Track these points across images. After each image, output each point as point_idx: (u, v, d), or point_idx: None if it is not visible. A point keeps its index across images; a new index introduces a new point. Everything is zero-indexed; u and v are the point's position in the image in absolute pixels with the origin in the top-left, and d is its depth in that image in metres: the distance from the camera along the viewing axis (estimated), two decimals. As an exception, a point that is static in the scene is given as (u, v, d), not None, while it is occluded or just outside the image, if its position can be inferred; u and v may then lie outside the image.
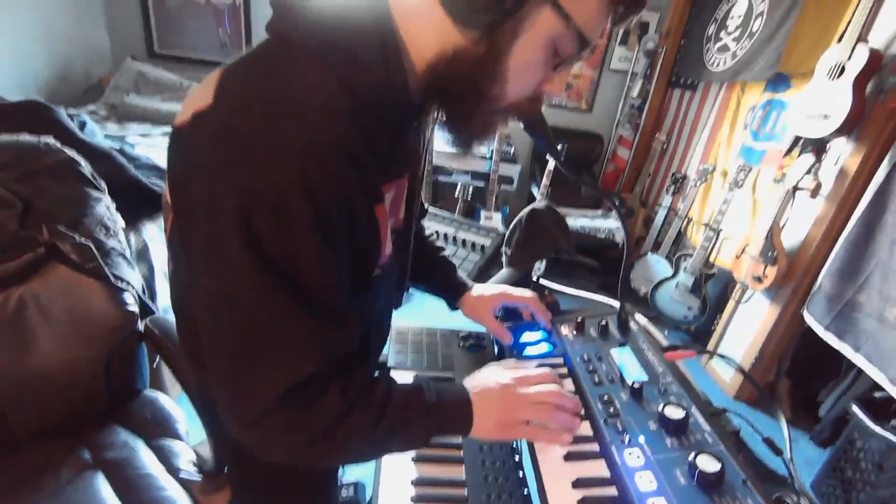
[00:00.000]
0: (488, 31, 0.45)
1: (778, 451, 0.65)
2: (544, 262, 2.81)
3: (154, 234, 1.58)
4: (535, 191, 3.19)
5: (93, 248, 1.02)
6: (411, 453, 0.68)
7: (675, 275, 2.65)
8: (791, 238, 2.06)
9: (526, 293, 0.87)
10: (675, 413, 0.61)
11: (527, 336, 0.86)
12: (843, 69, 1.75)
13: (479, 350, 0.90)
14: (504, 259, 1.05)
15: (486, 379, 0.62)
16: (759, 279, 2.08)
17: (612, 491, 0.57)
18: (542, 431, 0.60)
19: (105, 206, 1.11)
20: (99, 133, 1.66)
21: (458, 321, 0.90)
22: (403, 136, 0.58)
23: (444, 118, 0.53)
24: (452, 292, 0.88)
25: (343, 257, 0.50)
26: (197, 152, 0.46)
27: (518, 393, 0.60)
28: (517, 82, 0.49)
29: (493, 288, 0.88)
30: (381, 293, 0.67)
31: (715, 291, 2.56)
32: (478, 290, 0.88)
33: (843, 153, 1.86)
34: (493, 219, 3.04)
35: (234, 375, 0.48)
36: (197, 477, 0.98)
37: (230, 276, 0.45)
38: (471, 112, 0.51)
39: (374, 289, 0.61)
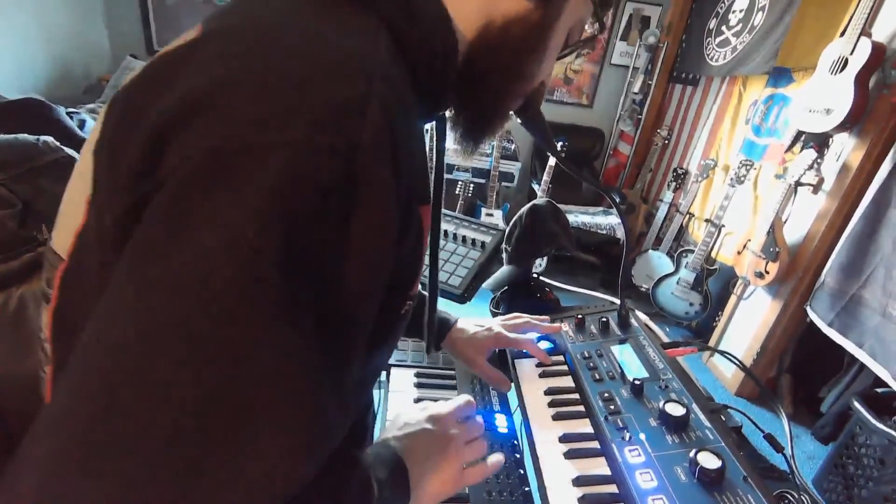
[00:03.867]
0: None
1: (779, 448, 0.65)
2: (545, 259, 2.81)
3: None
4: (535, 187, 3.18)
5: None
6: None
7: (676, 271, 2.65)
8: (793, 234, 2.05)
9: (516, 326, 0.78)
10: (675, 410, 0.61)
11: (527, 334, 0.85)
12: (845, 63, 1.74)
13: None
14: (504, 256, 1.05)
15: (416, 439, 0.50)
16: (760, 275, 2.07)
17: (612, 488, 0.57)
18: (478, 469, 0.54)
19: (105, 205, 1.11)
20: (99, 132, 1.66)
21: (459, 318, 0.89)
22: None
23: (464, 103, 0.46)
24: (435, 332, 0.73)
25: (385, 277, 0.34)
26: (196, 76, 0.29)
27: (450, 444, 0.50)
28: (548, 63, 0.45)
29: (484, 328, 0.76)
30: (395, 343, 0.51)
31: (716, 287, 2.56)
32: (466, 328, 0.76)
33: (846, 148, 1.85)
34: (493, 216, 3.04)
35: (170, 474, 0.24)
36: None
37: (216, 283, 0.24)
38: (501, 92, 0.45)
39: (396, 334, 0.44)
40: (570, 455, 0.61)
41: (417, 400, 0.76)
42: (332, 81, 0.29)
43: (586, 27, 0.47)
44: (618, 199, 3.20)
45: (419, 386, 0.79)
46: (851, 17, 1.73)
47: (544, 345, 0.83)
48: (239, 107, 0.27)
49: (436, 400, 0.75)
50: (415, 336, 0.81)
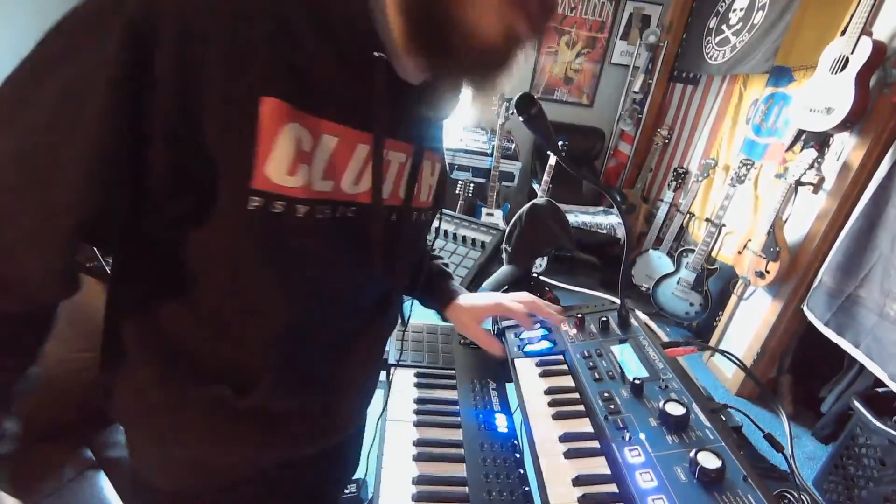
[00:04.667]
0: None
1: (779, 448, 0.65)
2: (545, 258, 2.81)
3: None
4: (535, 187, 3.18)
5: (93, 247, 1.02)
6: (412, 451, 0.68)
7: (676, 271, 2.65)
8: (793, 233, 2.05)
9: (521, 303, 0.80)
10: (675, 409, 0.61)
11: (527, 333, 0.86)
12: (846, 62, 1.74)
13: (479, 347, 0.89)
14: (504, 256, 1.05)
15: None
16: (761, 275, 2.07)
17: (612, 488, 0.56)
18: None
19: (105, 205, 1.11)
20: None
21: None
22: (364, 76, 0.46)
23: (426, 58, 0.47)
24: (439, 302, 0.80)
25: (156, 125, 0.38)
26: None
27: None
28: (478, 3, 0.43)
29: (487, 298, 0.80)
30: (306, 276, 0.48)
31: (717, 287, 2.56)
32: (468, 299, 0.80)
33: (846, 147, 1.85)
34: (493, 215, 3.03)
35: None
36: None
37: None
38: (444, 42, 0.45)
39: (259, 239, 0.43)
40: (570, 455, 0.61)
41: (417, 400, 0.76)
42: None
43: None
44: (618, 199, 3.22)
45: (419, 386, 0.79)
46: (852, 16, 1.73)
47: (544, 344, 0.83)
48: None
49: (435, 400, 0.76)
50: (429, 306, 0.83)
